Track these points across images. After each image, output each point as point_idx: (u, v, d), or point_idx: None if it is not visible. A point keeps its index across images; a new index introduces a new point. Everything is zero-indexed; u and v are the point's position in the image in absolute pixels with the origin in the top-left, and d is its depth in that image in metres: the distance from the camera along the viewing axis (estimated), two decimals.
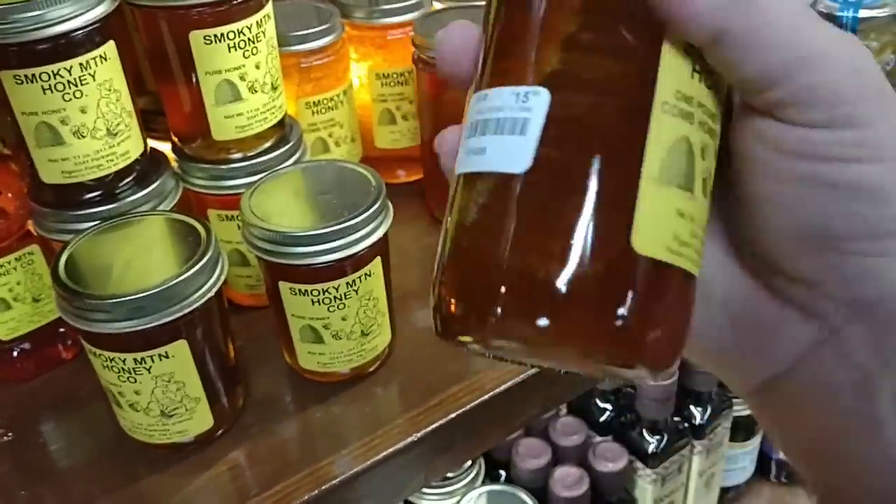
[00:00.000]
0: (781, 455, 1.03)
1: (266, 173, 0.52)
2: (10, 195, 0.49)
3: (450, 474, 0.83)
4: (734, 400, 0.93)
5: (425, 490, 0.84)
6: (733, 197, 0.27)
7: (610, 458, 0.83)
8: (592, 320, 0.23)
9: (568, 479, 0.81)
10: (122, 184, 0.49)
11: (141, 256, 0.46)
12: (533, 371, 0.52)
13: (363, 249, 0.47)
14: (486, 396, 0.51)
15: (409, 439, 0.48)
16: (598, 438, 0.87)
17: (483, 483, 0.85)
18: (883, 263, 0.25)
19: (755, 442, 1.02)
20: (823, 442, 0.28)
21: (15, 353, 0.53)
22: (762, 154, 0.25)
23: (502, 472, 0.89)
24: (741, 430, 0.98)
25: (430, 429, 0.49)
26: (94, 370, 0.45)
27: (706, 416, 0.88)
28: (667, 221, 0.23)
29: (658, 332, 0.23)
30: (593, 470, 0.82)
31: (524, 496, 0.81)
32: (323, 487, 0.45)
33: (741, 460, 1.02)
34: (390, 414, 0.50)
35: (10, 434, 0.51)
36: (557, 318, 0.22)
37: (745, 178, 0.26)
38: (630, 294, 0.23)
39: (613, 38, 0.24)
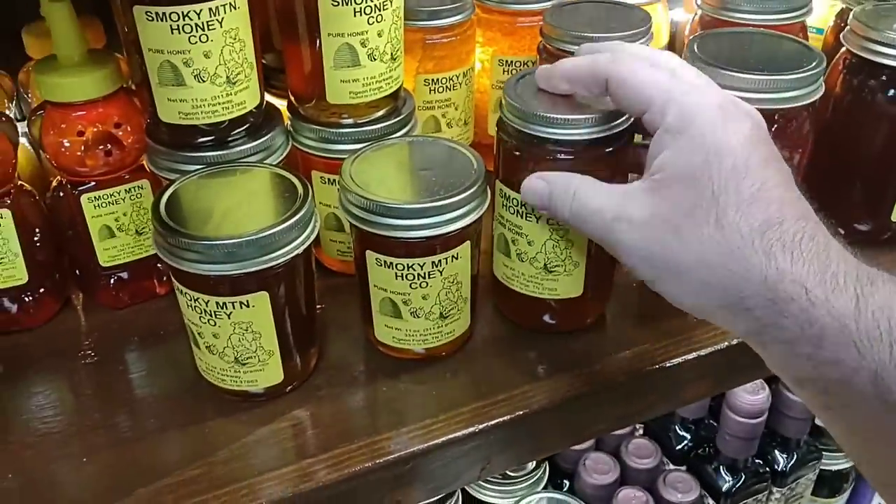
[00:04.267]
0: None
1: (372, 142, 0.52)
2: (128, 128, 0.51)
3: (512, 473, 0.82)
4: (825, 452, 0.87)
5: (486, 484, 0.83)
6: None
7: (681, 488, 0.80)
8: None
9: (633, 502, 0.78)
10: (234, 132, 0.50)
11: (241, 205, 0.47)
12: (609, 383, 0.50)
13: (454, 231, 0.46)
14: (557, 400, 0.49)
15: (471, 429, 0.47)
16: (671, 466, 0.84)
17: (545, 489, 0.83)
18: None
19: (842, 501, 0.96)
20: None
21: (112, 281, 0.55)
22: None
23: (566, 482, 0.87)
24: (827, 485, 0.92)
25: (493, 422, 0.48)
26: (177, 309, 0.47)
27: (791, 464, 0.83)
28: None
29: None
30: (661, 498, 0.79)
31: None
32: (377, 461, 0.45)
33: None
34: (456, 401, 0.49)
35: (95, 356, 0.53)
36: None
37: None
38: None
39: None
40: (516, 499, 0.81)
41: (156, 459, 0.46)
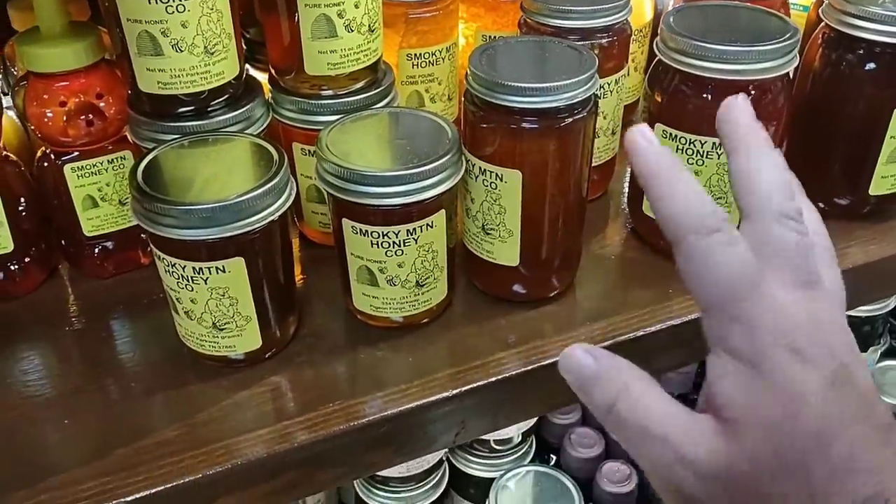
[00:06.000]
0: None
1: (351, 114, 0.53)
2: (110, 99, 0.52)
3: (498, 447, 0.83)
4: None
5: (471, 457, 0.84)
6: None
7: None
8: None
9: (616, 475, 0.79)
10: (214, 102, 0.51)
11: (218, 173, 0.48)
12: (512, 372, 0.51)
13: (427, 199, 0.47)
14: (530, 367, 0.50)
15: (445, 394, 0.48)
16: None
17: (531, 463, 0.84)
18: None
19: None
20: None
21: (97, 251, 0.56)
22: None
23: (553, 457, 0.88)
24: None
25: (467, 387, 0.49)
26: None
27: None
28: None
29: None
30: None
31: (569, 483, 0.80)
32: (353, 423, 0.46)
33: None
34: (432, 367, 0.50)
35: (80, 324, 0.54)
36: None
37: None
38: None
39: None
40: (502, 472, 0.82)
41: (136, 421, 0.47)
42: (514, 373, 0.50)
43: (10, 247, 0.53)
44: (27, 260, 0.55)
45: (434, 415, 0.48)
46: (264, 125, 0.54)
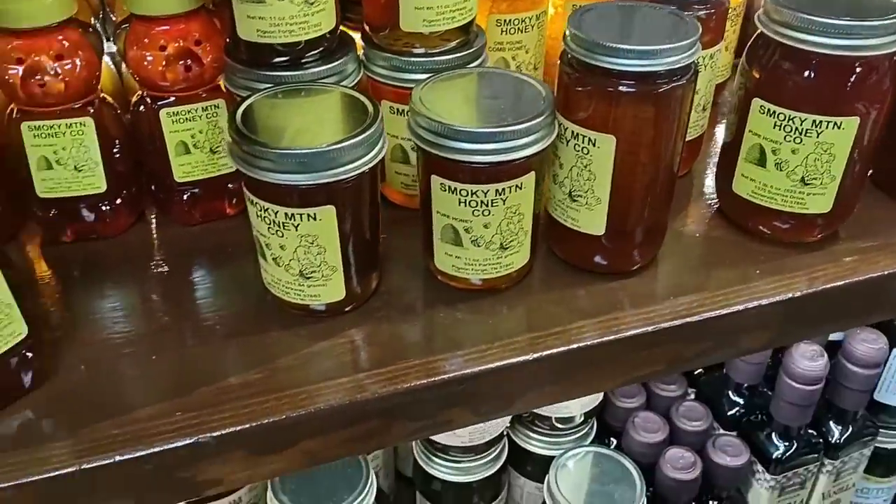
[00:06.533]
0: None
1: (443, 72, 0.52)
2: (208, 47, 0.52)
3: (560, 425, 0.83)
4: (882, 430, 0.85)
5: (533, 434, 0.84)
6: None
7: (730, 452, 0.79)
8: None
9: (680, 461, 0.78)
10: (309, 54, 0.52)
11: (313, 122, 0.48)
12: (669, 324, 0.50)
13: (519, 159, 0.47)
14: (610, 338, 0.50)
15: (525, 357, 0.48)
16: (722, 432, 0.83)
17: (592, 444, 0.83)
18: None
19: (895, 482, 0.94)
20: None
21: (185, 197, 0.57)
22: None
23: (613, 441, 0.87)
24: (882, 464, 0.90)
25: (546, 353, 0.48)
26: (252, 229, 0.48)
27: (845, 437, 0.82)
28: None
29: None
30: (710, 460, 0.79)
31: (630, 466, 0.79)
32: (433, 379, 0.46)
33: (874, 496, 0.94)
34: (511, 331, 0.50)
35: (165, 268, 0.55)
36: None
37: None
38: None
39: None
40: (562, 451, 0.81)
41: (219, 363, 0.47)
42: (592, 342, 0.49)
43: (104, 187, 0.55)
44: (118, 202, 0.56)
45: (513, 378, 0.48)
46: (355, 81, 0.54)
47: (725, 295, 0.53)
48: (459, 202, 0.48)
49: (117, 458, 0.41)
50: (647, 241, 0.55)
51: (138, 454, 0.41)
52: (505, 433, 0.83)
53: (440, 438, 0.78)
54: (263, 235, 0.47)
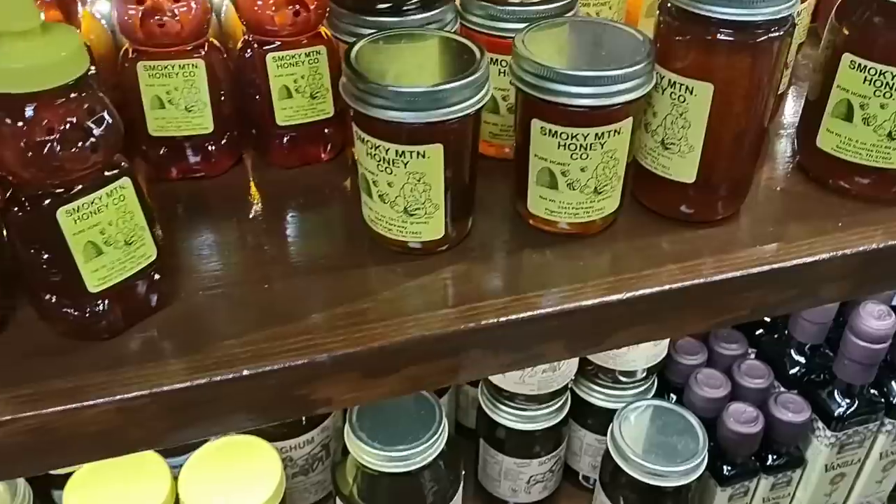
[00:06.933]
0: None
1: (539, 21, 0.54)
2: None
3: (623, 378, 0.85)
4: None
5: (595, 386, 0.86)
6: None
7: (792, 409, 0.81)
8: None
9: (743, 416, 0.80)
10: (410, 2, 0.53)
11: (420, 66, 0.50)
12: (756, 269, 0.52)
13: (619, 104, 0.48)
14: (698, 281, 0.51)
15: (617, 297, 0.50)
16: (783, 389, 0.85)
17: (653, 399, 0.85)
18: None
19: None
20: None
21: (285, 140, 0.60)
22: None
23: (673, 397, 0.89)
24: None
25: (638, 293, 0.50)
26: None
27: None
28: None
29: None
30: (771, 416, 0.81)
31: (692, 419, 0.81)
32: (531, 313, 0.48)
33: None
34: (602, 272, 0.52)
35: (266, 206, 0.58)
36: None
37: None
38: None
39: None
40: (624, 404, 0.83)
41: (325, 293, 0.50)
42: (681, 285, 0.51)
43: (210, 128, 0.57)
44: (223, 142, 0.59)
45: (605, 316, 0.50)
46: (453, 29, 0.56)
47: (810, 244, 0.54)
48: (559, 145, 0.50)
49: (245, 372, 0.43)
50: (732, 192, 0.56)
51: (263, 370, 0.44)
52: (569, 385, 0.85)
53: (508, 386, 0.80)
54: (372, 173, 0.49)
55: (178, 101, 0.55)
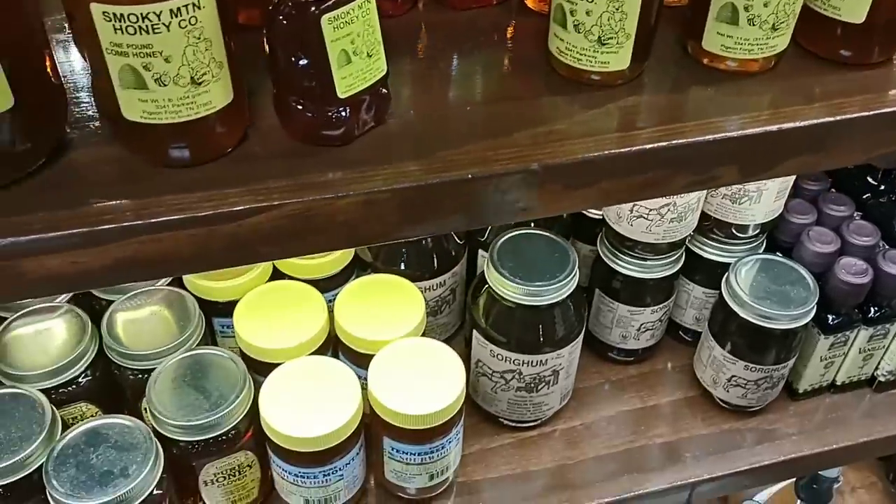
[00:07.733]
0: None
1: None
2: None
3: (738, 233, 0.89)
4: None
5: (710, 239, 0.91)
6: None
7: None
8: None
9: (854, 268, 0.84)
10: None
11: None
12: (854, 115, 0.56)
13: None
14: (867, 113, 0.55)
15: (792, 124, 0.54)
16: (889, 247, 0.89)
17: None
18: None
19: None
20: None
21: None
22: None
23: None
24: None
25: (812, 122, 0.54)
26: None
27: None
28: None
29: None
30: (879, 270, 0.85)
31: (803, 271, 0.86)
32: (711, 136, 0.53)
33: None
34: (776, 103, 0.56)
35: (447, 44, 0.62)
36: None
37: None
38: None
39: None
40: (735, 259, 0.88)
41: (521, 116, 0.54)
42: (853, 116, 0.55)
43: None
44: None
45: (780, 142, 0.54)
46: None
47: None
48: None
49: (469, 175, 0.49)
50: (891, 36, 0.59)
51: (486, 175, 0.49)
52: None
53: (635, 235, 0.85)
54: (571, 3, 0.53)
55: None
